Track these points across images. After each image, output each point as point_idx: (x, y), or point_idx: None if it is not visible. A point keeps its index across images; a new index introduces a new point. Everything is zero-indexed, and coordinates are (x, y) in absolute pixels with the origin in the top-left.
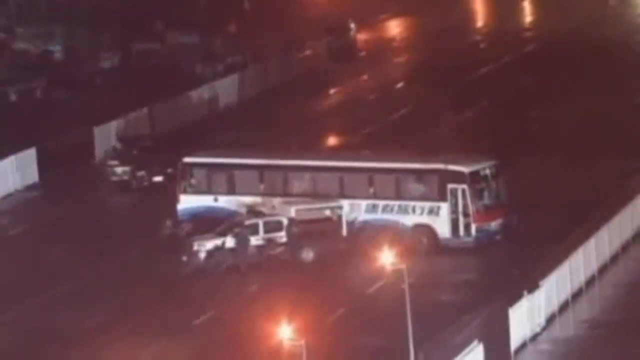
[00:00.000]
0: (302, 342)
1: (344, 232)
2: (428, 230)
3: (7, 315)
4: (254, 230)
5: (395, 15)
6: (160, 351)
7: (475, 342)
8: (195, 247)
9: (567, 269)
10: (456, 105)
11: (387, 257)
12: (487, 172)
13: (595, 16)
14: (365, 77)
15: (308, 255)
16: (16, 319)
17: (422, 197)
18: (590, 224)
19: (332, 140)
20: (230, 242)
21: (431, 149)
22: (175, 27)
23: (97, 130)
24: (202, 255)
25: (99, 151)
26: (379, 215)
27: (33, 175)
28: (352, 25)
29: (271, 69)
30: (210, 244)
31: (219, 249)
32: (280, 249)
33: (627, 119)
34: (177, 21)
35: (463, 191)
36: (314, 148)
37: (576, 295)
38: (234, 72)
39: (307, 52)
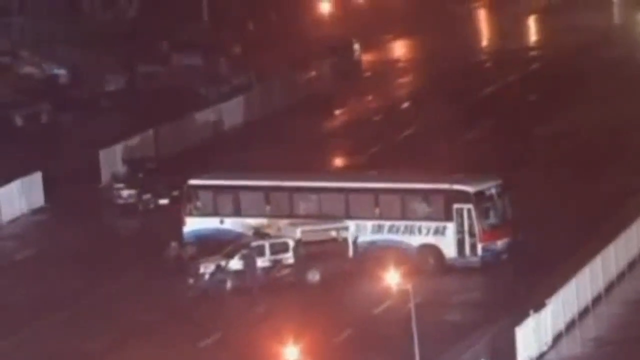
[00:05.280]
0: None
1: (350, 252)
2: (434, 250)
3: (14, 338)
4: (260, 251)
5: (399, 35)
6: None
7: None
8: (202, 270)
9: (573, 287)
10: (462, 124)
11: (393, 278)
12: (493, 191)
13: (599, 34)
14: (370, 97)
15: (314, 276)
16: (23, 342)
17: (428, 217)
18: (596, 242)
19: (337, 161)
20: (235, 263)
21: (437, 169)
22: (179, 49)
23: (103, 153)
24: (207, 276)
25: (105, 174)
26: (385, 236)
27: (39, 199)
28: (357, 46)
29: (276, 90)
30: (213, 266)
31: (221, 268)
32: (286, 271)
33: (632, 136)
34: (181, 43)
35: (469, 211)
36: (319, 169)
37: (583, 313)
38: (239, 93)
39: (312, 73)
